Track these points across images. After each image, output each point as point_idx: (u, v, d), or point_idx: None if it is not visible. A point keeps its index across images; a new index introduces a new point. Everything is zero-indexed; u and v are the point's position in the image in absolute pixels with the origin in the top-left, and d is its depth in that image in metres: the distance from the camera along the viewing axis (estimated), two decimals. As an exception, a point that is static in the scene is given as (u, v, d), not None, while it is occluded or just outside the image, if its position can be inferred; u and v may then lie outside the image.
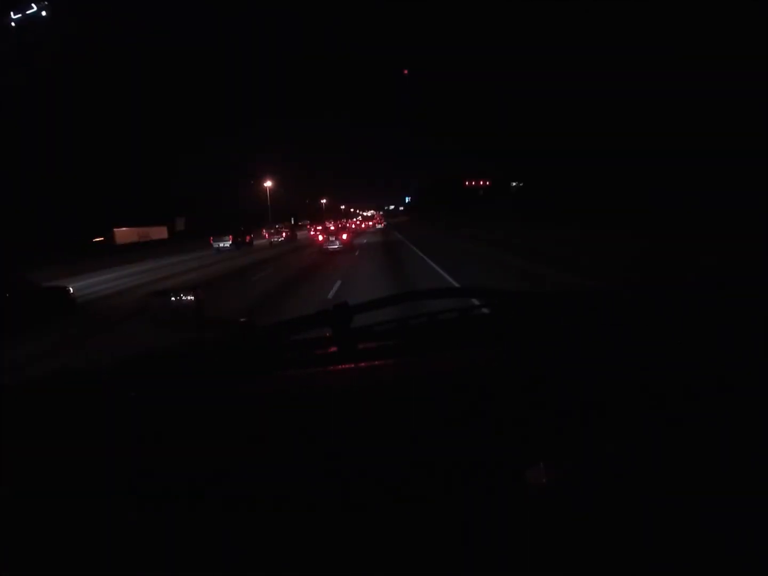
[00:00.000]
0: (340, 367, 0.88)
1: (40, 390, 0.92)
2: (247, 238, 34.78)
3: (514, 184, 58.28)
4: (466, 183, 76.55)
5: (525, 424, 0.68)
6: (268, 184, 67.57)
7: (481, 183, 76.48)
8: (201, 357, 0.98)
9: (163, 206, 46.63)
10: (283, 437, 0.71)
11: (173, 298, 1.29)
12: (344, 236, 23.50)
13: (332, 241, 22.84)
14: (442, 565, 0.51)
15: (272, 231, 40.09)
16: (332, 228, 30.97)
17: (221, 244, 31.87)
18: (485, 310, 1.17)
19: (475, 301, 1.35)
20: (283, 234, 39.39)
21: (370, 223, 76.97)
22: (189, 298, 1.28)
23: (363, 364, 0.88)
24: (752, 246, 7.36)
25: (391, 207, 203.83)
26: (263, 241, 39.08)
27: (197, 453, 0.70)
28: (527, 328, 1.02)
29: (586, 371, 0.81)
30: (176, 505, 0.62)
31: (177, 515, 0.60)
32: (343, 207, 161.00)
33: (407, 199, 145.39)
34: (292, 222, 56.86)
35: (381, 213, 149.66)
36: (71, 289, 10.35)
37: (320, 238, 25.82)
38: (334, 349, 0.94)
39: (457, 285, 9.05)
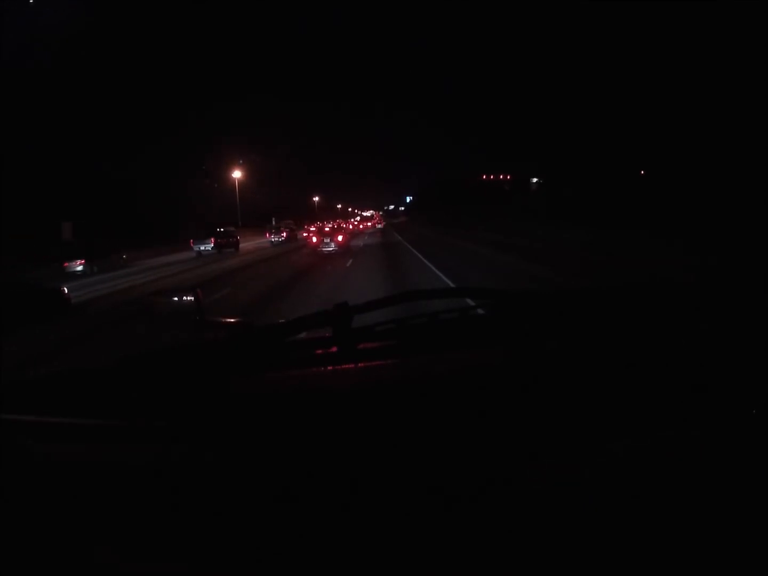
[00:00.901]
0: (340, 367, 0.88)
1: (43, 389, 0.92)
2: (235, 239, 31.22)
3: (534, 180, 55.69)
4: (484, 177, 68.77)
5: (526, 425, 0.68)
6: (237, 174, 52.77)
7: (501, 177, 67.47)
8: (201, 357, 0.98)
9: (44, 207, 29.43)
10: (282, 437, 0.71)
11: (173, 298, 1.29)
12: (339, 238, 22.44)
13: (327, 243, 21.73)
14: (442, 566, 0.51)
15: (273, 231, 39.75)
16: (327, 229, 29.37)
17: (202, 247, 29.51)
18: (485, 311, 1.18)
19: (475, 301, 1.35)
20: (284, 234, 39.14)
21: (369, 224, 75.90)
22: (189, 298, 1.28)
23: (363, 364, 0.88)
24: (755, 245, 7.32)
25: (391, 207, 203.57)
26: (252, 243, 37.43)
27: (197, 453, 0.70)
28: (527, 327, 1.02)
29: (586, 371, 0.81)
30: (175, 506, 0.62)
31: (176, 515, 0.60)
32: (339, 206, 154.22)
33: (408, 199, 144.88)
34: (273, 223, 50.98)
35: (380, 213, 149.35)
36: (66, 289, 10.35)
37: (314, 239, 24.59)
38: (334, 349, 0.95)
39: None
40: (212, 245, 29.41)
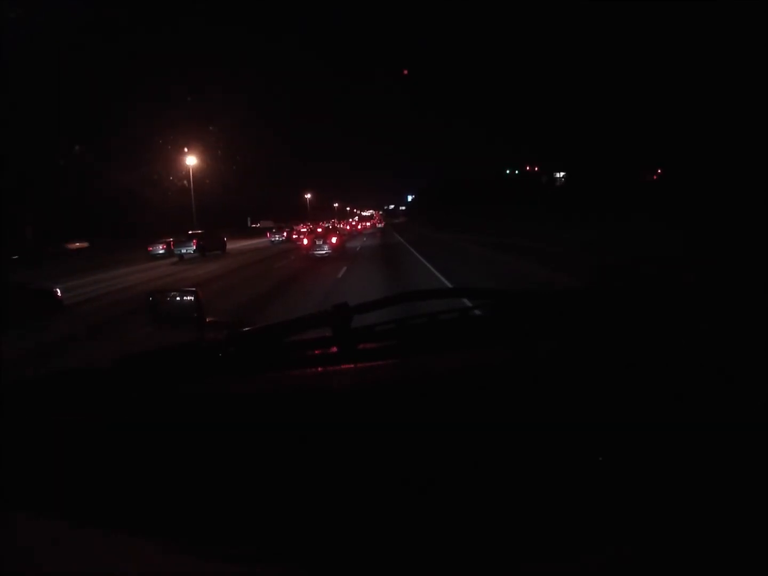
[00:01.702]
0: (340, 367, 0.88)
1: (43, 389, 0.92)
2: (222, 240, 28.90)
3: (558, 175, 52.19)
4: (508, 171, 62.22)
5: (526, 424, 0.68)
6: (192, 161, 37.04)
7: (528, 168, 59.66)
8: (200, 357, 0.98)
9: None
10: (282, 437, 0.71)
11: (174, 298, 1.29)
12: (333, 240, 20.09)
13: (320, 246, 19.47)
14: (442, 565, 0.52)
15: (273, 230, 40.10)
16: (319, 231, 26.31)
17: (184, 250, 26.92)
18: (485, 311, 1.18)
19: (475, 302, 1.35)
20: (284, 234, 39.53)
21: (368, 223, 74.52)
22: (189, 298, 1.27)
23: (363, 364, 0.88)
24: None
25: (391, 206, 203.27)
26: (247, 243, 37.13)
27: (197, 453, 0.70)
28: (527, 327, 1.02)
29: (586, 371, 0.82)
30: (175, 506, 0.62)
31: (176, 515, 0.61)
32: (336, 205, 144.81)
33: (409, 198, 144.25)
34: (249, 224, 43.48)
35: (381, 213, 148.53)
36: (58, 290, 10.33)
37: (305, 242, 22.21)
38: (334, 349, 0.95)
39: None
40: (194, 248, 26.95)
